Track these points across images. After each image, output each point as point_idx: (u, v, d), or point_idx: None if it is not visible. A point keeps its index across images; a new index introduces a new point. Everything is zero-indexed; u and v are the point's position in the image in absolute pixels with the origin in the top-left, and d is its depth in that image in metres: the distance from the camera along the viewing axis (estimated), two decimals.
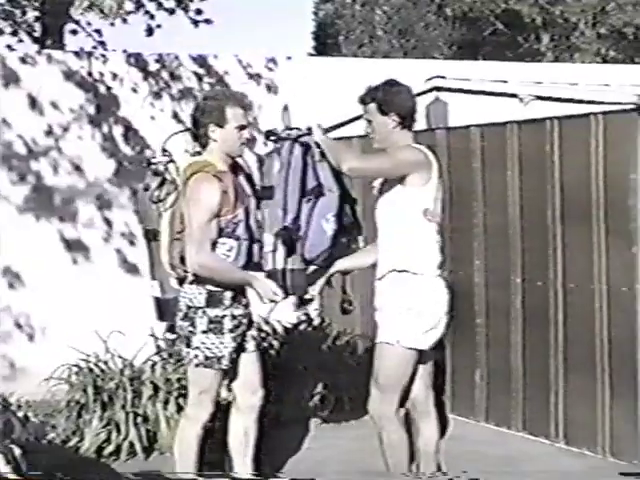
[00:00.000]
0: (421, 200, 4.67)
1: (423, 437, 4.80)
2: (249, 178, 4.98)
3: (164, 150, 4.93)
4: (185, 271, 4.80)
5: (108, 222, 8.50)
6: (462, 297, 6.86)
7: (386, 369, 4.69)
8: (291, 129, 4.82)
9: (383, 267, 4.75)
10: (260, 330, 5.03)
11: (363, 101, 4.75)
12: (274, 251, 4.78)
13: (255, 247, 4.81)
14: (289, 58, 9.20)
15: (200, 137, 4.84)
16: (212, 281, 4.75)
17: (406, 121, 4.76)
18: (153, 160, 4.95)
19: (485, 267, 6.84)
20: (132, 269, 8.46)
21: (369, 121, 4.78)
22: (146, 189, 4.94)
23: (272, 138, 4.84)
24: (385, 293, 4.74)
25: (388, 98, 4.71)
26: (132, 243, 8.46)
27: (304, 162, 4.76)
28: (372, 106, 4.72)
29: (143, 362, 6.55)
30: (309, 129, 4.82)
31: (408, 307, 4.65)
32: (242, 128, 4.80)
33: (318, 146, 4.77)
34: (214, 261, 4.74)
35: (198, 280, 4.77)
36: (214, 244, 4.74)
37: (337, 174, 4.78)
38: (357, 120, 6.22)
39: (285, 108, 4.89)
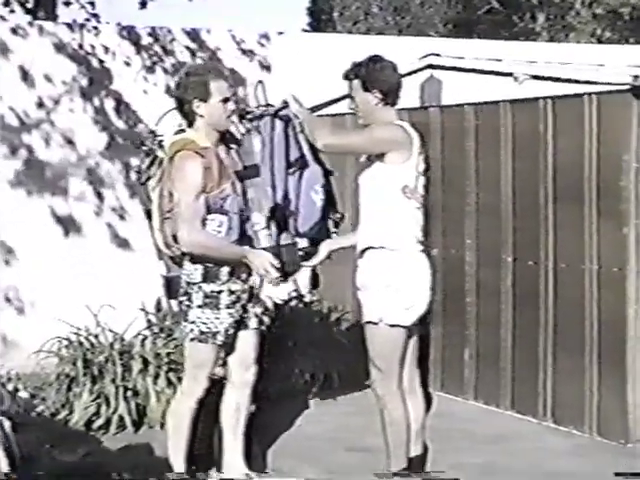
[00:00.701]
0: (400, 177, 4.68)
1: (386, 427, 4.77)
2: (238, 146, 4.95)
3: (153, 132, 4.94)
4: (180, 250, 4.81)
5: (99, 196, 8.49)
6: (453, 276, 6.99)
7: (377, 349, 4.71)
8: (266, 106, 4.82)
9: (361, 244, 4.76)
10: (266, 309, 4.98)
11: (347, 77, 4.74)
12: (265, 229, 4.79)
13: (247, 221, 4.81)
14: (281, 33, 9.19)
15: (185, 114, 4.83)
16: (208, 258, 4.76)
17: (389, 98, 4.74)
18: (144, 142, 4.96)
19: (476, 246, 6.87)
20: (123, 244, 8.48)
21: (352, 97, 4.77)
22: (138, 172, 4.95)
23: (248, 117, 4.82)
24: (364, 271, 4.74)
25: (371, 74, 4.69)
26: (122, 218, 8.47)
27: (286, 135, 4.76)
28: (356, 82, 4.70)
29: (133, 336, 6.56)
30: (285, 102, 4.81)
31: (386, 284, 4.64)
32: (226, 100, 4.79)
33: (297, 117, 4.78)
34: (206, 238, 4.75)
35: (194, 259, 4.78)
36: (204, 221, 4.74)
37: (313, 147, 4.80)
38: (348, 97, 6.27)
39: (259, 82, 4.88)
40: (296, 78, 7.81)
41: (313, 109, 5.03)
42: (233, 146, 4.94)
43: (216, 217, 4.75)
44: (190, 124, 4.84)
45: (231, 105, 4.81)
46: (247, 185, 4.84)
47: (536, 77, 6.58)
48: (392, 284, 4.65)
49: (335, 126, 6.23)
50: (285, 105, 4.78)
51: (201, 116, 4.78)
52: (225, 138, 4.91)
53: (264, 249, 4.78)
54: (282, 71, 8.70)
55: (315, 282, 4.93)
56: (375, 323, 4.69)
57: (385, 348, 4.71)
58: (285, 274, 4.82)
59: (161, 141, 4.88)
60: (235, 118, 4.89)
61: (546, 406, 6.33)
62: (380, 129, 4.70)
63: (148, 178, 4.86)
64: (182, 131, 4.86)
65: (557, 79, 6.45)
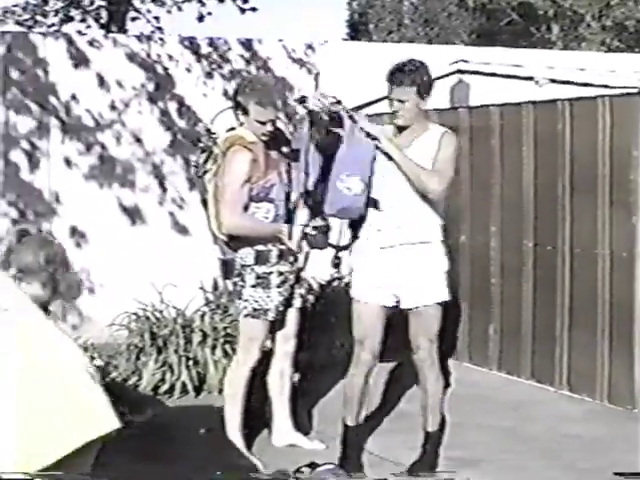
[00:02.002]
0: None
1: (429, 389, 4.75)
2: (288, 143, 4.95)
3: (208, 130, 4.95)
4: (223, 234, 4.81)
5: (163, 188, 8.52)
6: (479, 259, 7.00)
7: (437, 326, 4.71)
8: (323, 97, 4.65)
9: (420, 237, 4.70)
10: (310, 289, 4.98)
11: (401, 82, 4.56)
12: (298, 208, 4.80)
13: (290, 207, 4.82)
14: (325, 42, 9.15)
15: (236, 115, 4.88)
16: (249, 239, 4.76)
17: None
18: (201, 139, 4.97)
19: (500, 233, 6.84)
20: (183, 230, 8.49)
21: (400, 101, 4.60)
22: (196, 166, 4.95)
23: (304, 104, 4.71)
24: (427, 260, 4.70)
25: (427, 81, 4.61)
26: (182, 207, 8.47)
27: (329, 131, 4.59)
28: (410, 88, 4.54)
29: (194, 312, 6.59)
30: (339, 101, 4.63)
31: (443, 270, 4.71)
32: (262, 123, 4.76)
33: (352, 119, 4.58)
34: (245, 220, 4.76)
35: (243, 242, 4.78)
36: (246, 208, 4.75)
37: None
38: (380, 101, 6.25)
39: (317, 74, 4.82)
40: (338, 83, 7.76)
41: (354, 110, 4.95)
42: (284, 144, 4.95)
43: (263, 205, 4.78)
44: (241, 123, 4.87)
45: (268, 127, 4.76)
46: (290, 168, 4.83)
47: (554, 81, 6.51)
48: (445, 269, 4.73)
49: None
50: (339, 102, 4.62)
51: (243, 123, 4.82)
52: (274, 134, 4.90)
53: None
54: (326, 76, 8.64)
55: (336, 263, 4.77)
56: (439, 304, 4.68)
57: (439, 324, 4.72)
58: (335, 258, 4.73)
59: (216, 138, 4.90)
60: (282, 124, 4.89)
61: (562, 376, 6.30)
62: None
63: (205, 172, 4.87)
64: (233, 129, 4.89)
65: (573, 83, 6.38)
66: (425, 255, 4.67)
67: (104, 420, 2.25)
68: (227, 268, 4.96)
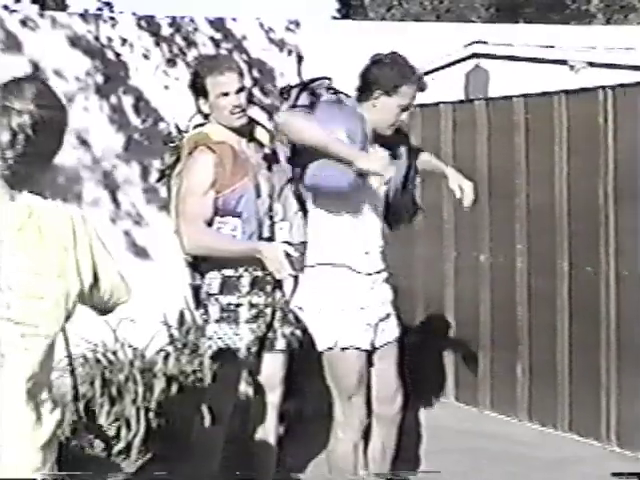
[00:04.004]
0: None
1: (388, 454, 4.92)
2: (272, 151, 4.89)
3: (183, 131, 4.95)
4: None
5: (116, 201, 8.49)
6: (502, 284, 6.96)
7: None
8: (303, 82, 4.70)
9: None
10: (296, 327, 4.90)
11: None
12: (282, 221, 4.76)
13: (266, 223, 4.77)
14: (311, 20, 9.18)
15: (199, 110, 4.84)
16: (216, 261, 4.71)
17: None
18: (173, 139, 4.98)
19: (528, 252, 6.82)
20: (141, 252, 8.47)
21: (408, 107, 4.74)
22: (163, 170, 4.95)
23: (285, 96, 4.72)
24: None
25: None
26: (138, 224, 8.48)
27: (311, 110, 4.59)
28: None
29: (155, 352, 6.58)
30: (326, 79, 4.68)
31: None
32: (224, 95, 4.72)
33: (333, 92, 4.63)
34: (208, 236, 4.70)
35: (201, 263, 4.74)
36: (210, 224, 4.70)
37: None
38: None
39: (298, 62, 4.82)
40: (327, 68, 7.74)
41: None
42: (267, 143, 4.89)
43: (229, 220, 4.72)
44: (206, 118, 4.83)
45: (232, 100, 4.72)
46: (273, 172, 4.79)
47: (594, 64, 6.50)
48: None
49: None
50: (318, 79, 4.66)
51: (208, 114, 4.78)
52: (255, 134, 4.88)
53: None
54: (312, 61, 8.66)
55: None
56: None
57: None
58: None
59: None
60: (265, 116, 4.86)
61: (609, 429, 6.25)
62: None
63: (166, 176, 4.86)
64: (201, 126, 4.85)
65: (618, 66, 6.38)
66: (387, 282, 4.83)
67: None
68: (197, 295, 4.91)
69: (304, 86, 4.66)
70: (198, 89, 4.77)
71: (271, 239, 4.76)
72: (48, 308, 2.59)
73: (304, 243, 4.67)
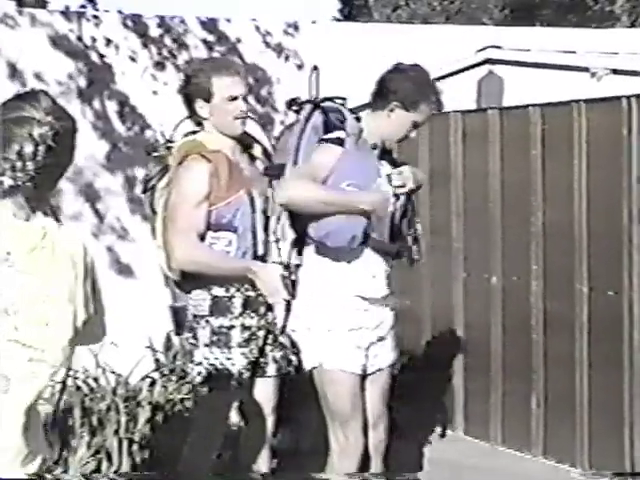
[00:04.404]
0: None
1: None
2: (267, 157, 4.96)
3: (168, 139, 4.96)
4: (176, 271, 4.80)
5: (99, 214, 8.49)
6: (515, 308, 6.96)
7: None
8: (317, 97, 4.80)
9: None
10: (286, 350, 4.92)
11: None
12: (278, 241, 4.78)
13: (260, 239, 4.79)
14: (313, 22, 9.22)
15: (192, 116, 4.85)
16: (204, 280, 4.73)
17: None
18: (157, 148, 4.98)
19: (544, 273, 6.82)
20: (125, 270, 8.49)
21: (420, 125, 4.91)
22: (146, 181, 4.95)
23: (294, 108, 4.81)
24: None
25: None
26: (123, 239, 8.51)
27: (326, 129, 4.75)
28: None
29: (140, 379, 6.60)
30: (342, 98, 4.85)
31: None
32: (233, 99, 4.76)
33: (341, 112, 4.78)
34: (201, 250, 4.72)
35: (188, 281, 4.75)
36: (203, 238, 4.72)
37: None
38: None
39: (314, 69, 4.85)
40: (330, 75, 7.78)
41: (355, 110, 4.99)
42: (259, 156, 4.93)
43: (223, 235, 4.74)
44: (199, 125, 4.85)
45: (240, 105, 4.77)
46: (274, 186, 4.81)
47: (617, 71, 6.52)
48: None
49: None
50: (332, 98, 4.80)
51: (205, 118, 4.79)
52: (249, 145, 4.91)
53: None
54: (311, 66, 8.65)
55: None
56: None
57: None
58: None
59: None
60: (258, 127, 4.89)
61: (634, 465, 6.23)
62: None
63: (152, 187, 4.87)
64: (194, 133, 4.87)
65: None
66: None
67: None
68: (180, 319, 4.93)
69: (316, 105, 4.76)
70: (198, 90, 4.77)
71: (265, 257, 4.78)
72: (55, 334, 2.63)
73: (299, 266, 4.72)
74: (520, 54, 7.31)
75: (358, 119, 4.79)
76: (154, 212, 4.87)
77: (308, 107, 4.76)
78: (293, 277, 4.66)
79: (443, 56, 7.82)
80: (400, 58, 4.95)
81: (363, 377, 4.84)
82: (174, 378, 6.60)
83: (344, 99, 4.84)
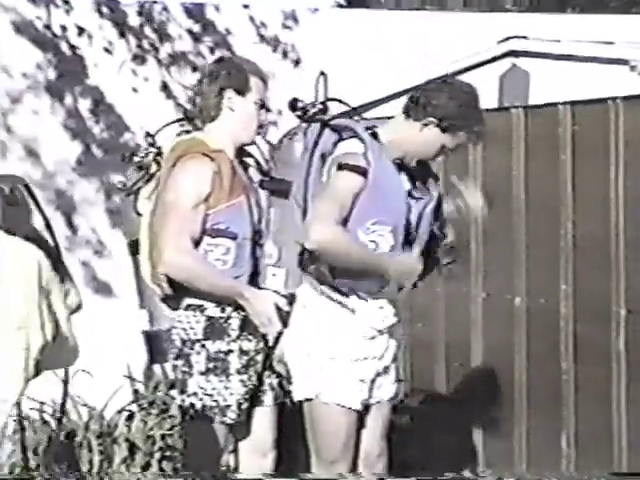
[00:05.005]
0: None
1: None
2: (258, 166, 5.01)
3: (151, 140, 4.97)
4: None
5: (71, 225, 8.49)
6: (543, 333, 6.95)
7: None
8: (323, 104, 4.79)
9: None
10: (281, 377, 4.97)
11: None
12: (275, 266, 4.82)
13: (258, 253, 4.83)
14: (315, 10, 9.23)
15: (206, 109, 4.86)
16: (196, 296, 4.76)
17: None
18: (136, 152, 5.00)
19: (575, 293, 6.84)
20: (103, 288, 8.53)
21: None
22: (123, 186, 4.98)
23: (297, 113, 4.82)
24: None
25: None
26: (99, 254, 8.54)
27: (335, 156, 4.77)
28: None
29: (116, 412, 6.64)
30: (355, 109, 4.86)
31: None
32: (262, 106, 4.85)
33: (353, 130, 4.76)
34: (192, 257, 4.74)
35: (177, 296, 4.78)
36: (197, 244, 4.75)
37: None
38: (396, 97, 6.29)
39: (322, 75, 4.88)
40: (331, 69, 7.80)
41: (357, 109, 5.00)
42: (251, 162, 4.98)
43: (221, 242, 4.77)
44: (203, 122, 4.88)
45: (264, 115, 4.87)
46: (270, 203, 4.86)
47: None
48: None
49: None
50: (350, 113, 4.81)
51: (232, 110, 4.82)
52: (243, 153, 4.95)
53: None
54: (313, 61, 8.68)
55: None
56: None
57: None
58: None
59: (159, 153, 4.91)
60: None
61: None
62: None
63: (138, 189, 4.92)
64: (188, 132, 4.94)
65: None
66: None
67: None
68: (156, 346, 4.96)
69: (325, 123, 4.76)
70: (236, 79, 4.82)
71: (255, 274, 4.81)
72: (2, 366, 2.59)
73: (293, 295, 4.77)
74: (548, 45, 7.33)
75: (375, 135, 4.75)
76: (138, 214, 4.91)
77: (316, 128, 4.78)
78: (287, 308, 4.74)
79: (460, 47, 7.91)
80: (412, 50, 4.96)
81: (362, 413, 4.86)
82: (155, 411, 6.62)
83: (358, 113, 4.86)
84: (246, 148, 4.98)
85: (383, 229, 4.72)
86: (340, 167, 4.70)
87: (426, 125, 4.74)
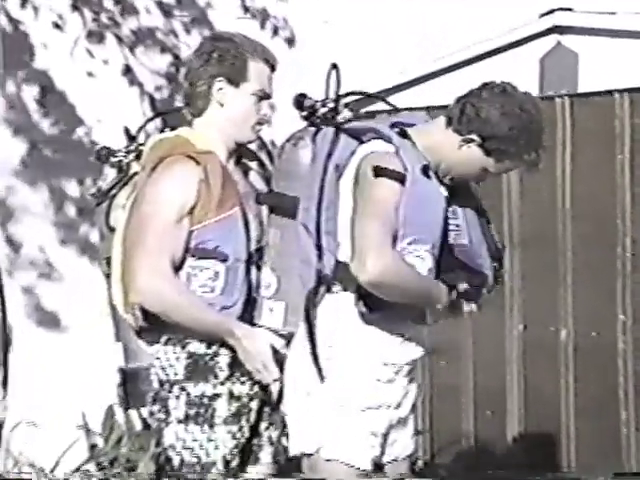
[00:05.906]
0: None
1: None
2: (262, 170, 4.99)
3: (130, 137, 5.00)
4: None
5: (12, 242, 8.46)
6: (597, 371, 7.01)
7: None
8: (335, 101, 4.74)
9: None
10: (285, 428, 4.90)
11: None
12: (271, 298, 4.78)
13: (254, 278, 4.78)
14: None
15: (192, 100, 4.82)
16: (177, 329, 4.72)
17: None
18: (114, 152, 5.00)
19: (634, 325, 6.93)
20: (50, 320, 8.49)
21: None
22: (95, 193, 5.00)
23: (304, 113, 4.78)
24: None
25: None
26: (47, 278, 8.48)
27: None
28: None
29: (71, 472, 6.53)
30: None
31: None
32: (262, 98, 4.79)
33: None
34: (170, 285, 4.70)
35: (154, 328, 4.71)
36: (179, 267, 4.69)
37: None
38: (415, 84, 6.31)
39: (333, 67, 4.83)
40: (330, 51, 7.79)
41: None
42: (252, 165, 4.94)
43: (209, 265, 4.75)
44: (193, 116, 4.84)
45: (267, 109, 4.82)
46: (270, 222, 4.81)
47: None
48: None
49: None
50: (364, 117, 4.76)
51: (221, 105, 4.80)
52: (244, 154, 4.93)
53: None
54: (308, 42, 8.79)
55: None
56: None
57: None
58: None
59: (141, 152, 4.90)
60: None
61: None
62: None
63: (111, 197, 4.92)
64: (173, 128, 4.90)
65: None
66: None
67: None
68: (133, 388, 4.96)
69: (338, 127, 4.72)
70: (230, 66, 4.78)
71: (248, 306, 4.75)
72: None
73: (293, 335, 4.75)
74: (601, 19, 7.36)
75: (404, 134, 4.67)
76: (111, 230, 4.90)
77: (329, 133, 4.74)
78: (286, 351, 4.72)
79: (494, 23, 7.91)
80: (432, 28, 4.87)
81: (373, 470, 4.83)
82: (118, 471, 6.52)
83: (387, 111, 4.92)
84: (248, 147, 4.98)
85: (421, 248, 4.66)
86: (377, 173, 4.65)
87: (467, 142, 4.66)
